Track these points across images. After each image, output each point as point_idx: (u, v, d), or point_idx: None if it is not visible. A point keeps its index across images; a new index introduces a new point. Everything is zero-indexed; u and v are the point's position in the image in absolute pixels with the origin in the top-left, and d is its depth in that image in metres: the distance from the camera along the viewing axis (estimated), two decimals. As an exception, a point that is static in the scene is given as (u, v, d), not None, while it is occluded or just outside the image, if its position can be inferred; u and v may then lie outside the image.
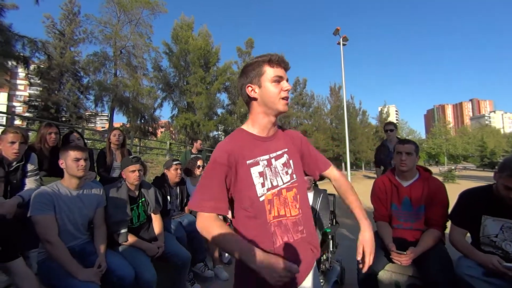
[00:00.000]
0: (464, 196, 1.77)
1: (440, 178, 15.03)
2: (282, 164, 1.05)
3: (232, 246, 0.92)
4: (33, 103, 18.68)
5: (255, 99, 1.02)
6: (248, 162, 0.99)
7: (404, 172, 1.97)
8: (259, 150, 1.02)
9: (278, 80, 0.98)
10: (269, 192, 0.99)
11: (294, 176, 1.06)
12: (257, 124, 1.05)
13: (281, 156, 1.07)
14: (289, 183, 1.04)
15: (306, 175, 1.19)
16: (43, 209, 1.65)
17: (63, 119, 18.94)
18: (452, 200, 1.88)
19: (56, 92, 18.78)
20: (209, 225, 0.95)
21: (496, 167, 1.62)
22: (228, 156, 0.97)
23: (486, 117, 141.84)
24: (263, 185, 0.98)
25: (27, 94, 21.19)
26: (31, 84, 19.99)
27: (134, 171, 2.19)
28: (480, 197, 1.69)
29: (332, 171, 1.23)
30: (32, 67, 16.42)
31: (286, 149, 1.09)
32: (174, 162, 2.89)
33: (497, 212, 1.61)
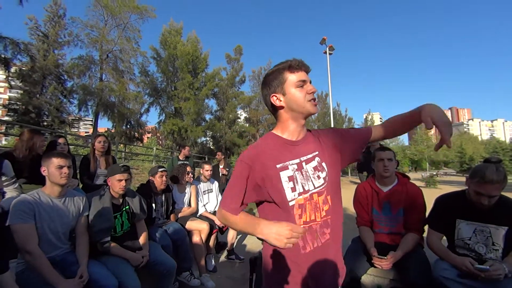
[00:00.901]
0: (440, 201, 1.87)
1: (422, 183, 15.60)
2: (313, 167, 1.03)
3: (242, 224, 0.99)
4: (13, 107, 17.94)
5: (281, 107, 1.01)
6: (277, 166, 0.98)
7: (385, 178, 2.05)
8: (289, 154, 1.01)
9: (302, 84, 0.98)
10: (300, 197, 0.97)
11: (327, 178, 1.04)
12: (286, 130, 1.05)
13: (312, 159, 1.04)
14: (321, 187, 1.02)
15: (351, 162, 1.19)
16: (23, 217, 1.60)
17: (45, 123, 18.30)
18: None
19: (38, 95, 18.16)
20: (234, 221, 1.02)
21: (465, 174, 1.72)
22: (254, 158, 0.99)
23: (464, 125, 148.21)
24: (293, 189, 0.97)
25: (7, 97, 20.39)
26: (11, 87, 19.21)
27: (121, 180, 2.16)
28: (454, 202, 1.78)
29: (375, 132, 1.16)
30: (13, 69, 15.88)
31: (317, 152, 1.06)
32: (160, 169, 2.86)
33: (470, 216, 1.70)
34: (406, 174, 2.19)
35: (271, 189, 0.97)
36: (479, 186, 1.57)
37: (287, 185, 0.97)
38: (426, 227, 1.95)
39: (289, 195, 0.97)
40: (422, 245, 1.98)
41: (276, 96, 1.00)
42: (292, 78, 0.98)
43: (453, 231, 1.77)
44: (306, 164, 1.02)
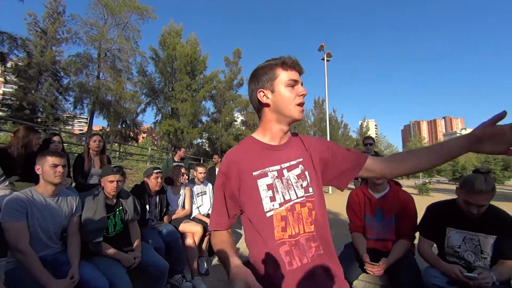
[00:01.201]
0: (431, 209, 1.90)
1: (415, 191, 15.74)
2: (297, 175, 0.93)
3: (217, 252, 0.92)
4: (6, 102, 17.69)
5: (267, 105, 0.92)
6: (254, 173, 0.90)
7: (377, 185, 2.08)
8: (268, 160, 0.92)
9: (293, 84, 0.89)
10: (282, 208, 0.88)
11: (310, 189, 0.94)
12: (268, 132, 0.95)
13: (295, 166, 0.94)
14: (303, 198, 0.92)
15: (329, 184, 1.03)
16: (15, 215, 1.59)
17: (39, 120, 18.06)
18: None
19: (33, 91, 17.94)
20: (213, 242, 0.96)
21: (457, 183, 1.76)
22: (229, 165, 0.92)
23: (458, 134, 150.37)
24: (272, 199, 0.89)
25: (1, 92, 20.09)
26: (6, 82, 18.97)
27: (112, 181, 2.15)
28: (445, 210, 1.81)
29: (371, 164, 0.96)
30: (9, 64, 15.69)
31: (301, 159, 0.96)
32: (155, 171, 2.85)
33: (460, 224, 1.73)
34: (398, 181, 2.22)
35: (247, 199, 0.90)
36: (468, 195, 1.60)
37: (265, 194, 0.89)
38: (417, 234, 1.98)
39: (267, 205, 0.88)
40: (413, 252, 2.00)
41: (263, 92, 0.91)
42: (283, 75, 0.88)
43: (443, 239, 1.80)
44: (288, 171, 0.93)
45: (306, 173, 0.95)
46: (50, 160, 1.76)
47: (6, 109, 17.51)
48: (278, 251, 0.86)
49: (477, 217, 1.63)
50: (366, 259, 1.83)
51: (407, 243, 1.92)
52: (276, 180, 0.90)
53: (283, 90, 0.88)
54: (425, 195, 15.53)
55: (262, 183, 0.89)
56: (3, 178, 2.16)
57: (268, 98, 0.91)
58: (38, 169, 1.77)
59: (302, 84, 0.91)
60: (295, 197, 0.91)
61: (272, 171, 0.91)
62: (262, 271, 0.88)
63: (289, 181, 0.92)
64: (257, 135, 0.98)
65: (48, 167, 1.75)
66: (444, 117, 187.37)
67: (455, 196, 1.79)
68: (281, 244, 0.87)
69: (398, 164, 0.92)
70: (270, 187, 0.90)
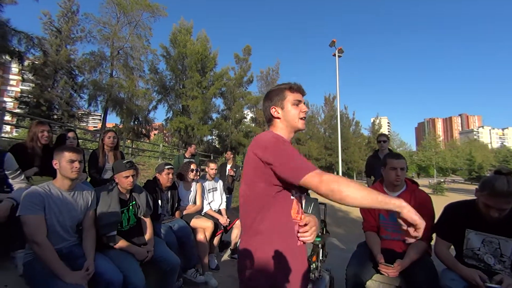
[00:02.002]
0: (449, 209, 1.83)
1: (429, 190, 15.39)
2: None
3: (366, 192, 0.88)
4: (24, 99, 18.32)
5: (278, 118, 1.18)
6: None
7: (396, 186, 2.02)
8: None
9: (297, 103, 1.17)
10: (296, 195, 1.14)
11: None
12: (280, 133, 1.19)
13: None
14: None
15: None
16: (33, 209, 1.63)
17: (55, 117, 18.63)
18: (440, 212, 1.93)
19: (49, 89, 18.51)
20: (332, 177, 0.92)
21: (473, 182, 1.68)
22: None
23: (474, 132, 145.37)
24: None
25: (19, 90, 20.85)
26: (24, 80, 19.65)
27: (127, 176, 2.17)
28: (464, 211, 1.74)
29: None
30: (26, 62, 16.21)
31: None
32: (167, 166, 2.87)
33: (479, 226, 1.66)
34: (415, 180, 2.15)
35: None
36: (488, 198, 1.53)
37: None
38: (434, 235, 1.91)
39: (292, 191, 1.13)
40: (430, 253, 1.94)
41: (275, 109, 1.18)
42: (290, 96, 1.17)
43: (461, 241, 1.73)
44: None
45: None
46: (67, 155, 1.79)
47: (24, 106, 18.14)
48: (293, 229, 1.11)
49: (498, 219, 1.55)
50: (380, 259, 1.78)
51: (424, 244, 1.86)
52: None
53: (290, 108, 1.17)
54: (440, 194, 15.16)
55: None
56: (18, 172, 2.23)
57: (278, 113, 1.18)
58: (55, 164, 1.81)
59: (304, 103, 1.20)
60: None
61: None
62: (279, 239, 1.07)
63: None
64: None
65: (65, 162, 1.78)
66: (460, 115, 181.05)
67: (473, 197, 1.72)
68: (294, 223, 1.12)
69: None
70: None
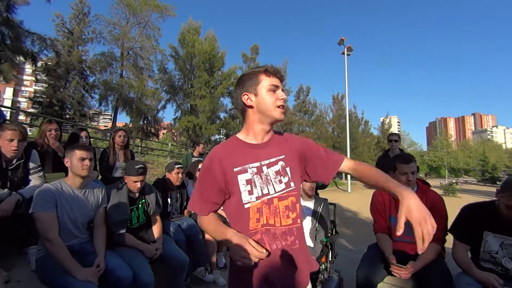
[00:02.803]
0: (466, 210, 1.77)
1: (441, 191, 15.04)
2: (275, 172, 1.03)
3: (216, 232, 1.05)
4: (38, 99, 18.81)
5: (251, 107, 1.03)
6: (235, 169, 0.99)
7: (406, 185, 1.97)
8: (249, 157, 1.02)
9: (274, 89, 1.00)
10: (258, 201, 0.98)
11: (292, 184, 1.03)
12: (251, 132, 1.06)
13: (274, 163, 1.04)
14: (282, 192, 1.01)
15: (314, 181, 1.15)
16: (45, 206, 1.66)
17: (67, 116, 19.06)
18: (452, 214, 1.87)
19: (61, 89, 18.93)
20: (202, 223, 1.08)
21: (499, 185, 1.63)
22: (211, 161, 1.02)
23: (488, 132, 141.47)
24: (250, 192, 0.98)
25: (33, 90, 21.40)
26: (37, 81, 20.19)
27: (136, 182, 2.18)
28: (482, 212, 1.68)
29: (346, 164, 1.08)
30: (39, 63, 16.59)
31: (283, 156, 1.05)
32: (177, 166, 2.88)
33: (497, 228, 1.60)
34: (426, 181, 2.09)
35: (230, 191, 1.01)
36: (510, 199, 1.47)
37: (244, 188, 0.99)
38: (447, 237, 1.86)
39: (245, 198, 0.98)
40: (443, 255, 1.89)
41: (247, 95, 1.02)
42: (266, 81, 1.00)
43: (479, 243, 1.68)
44: (267, 167, 1.02)
45: (287, 169, 1.04)
46: (78, 153, 1.82)
47: (38, 106, 18.62)
48: (255, 236, 0.98)
49: None
50: (393, 260, 1.74)
51: (437, 247, 1.81)
52: (255, 176, 1.00)
53: (265, 94, 1.00)
54: (452, 196, 14.79)
55: (242, 178, 0.99)
56: (39, 168, 2.30)
57: (252, 100, 1.02)
58: (67, 162, 1.84)
59: (282, 90, 1.03)
60: (273, 192, 1.00)
61: (252, 167, 1.01)
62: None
63: (268, 177, 1.01)
64: (240, 135, 1.09)
65: (76, 160, 1.81)
66: (473, 114, 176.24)
67: (488, 198, 1.66)
68: (254, 234, 0.98)
69: (362, 174, 1.04)
70: (248, 182, 0.99)
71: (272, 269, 0.98)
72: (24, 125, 3.09)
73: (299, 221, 1.03)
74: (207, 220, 1.06)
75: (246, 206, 0.98)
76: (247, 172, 1.00)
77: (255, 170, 1.00)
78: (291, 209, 1.01)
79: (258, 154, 1.03)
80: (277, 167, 1.03)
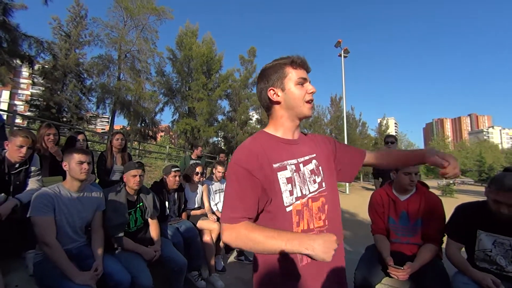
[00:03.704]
0: (460, 210, 1.79)
1: (439, 192, 15.09)
2: (310, 170, 0.95)
3: (261, 237, 0.79)
4: (35, 103, 18.72)
5: (278, 102, 0.94)
6: (274, 165, 0.87)
7: (408, 190, 1.99)
8: (285, 153, 0.92)
9: (302, 82, 0.92)
10: (298, 202, 0.88)
11: (323, 184, 0.96)
12: (280, 127, 0.96)
13: (309, 161, 0.96)
14: (315, 193, 0.93)
15: (339, 180, 1.11)
16: (43, 210, 1.66)
17: (64, 119, 18.96)
18: (450, 214, 1.89)
19: (58, 92, 18.85)
20: (244, 233, 0.82)
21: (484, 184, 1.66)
22: (248, 158, 0.87)
23: (484, 132, 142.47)
24: (291, 193, 0.88)
25: (29, 93, 21.26)
26: (34, 84, 20.11)
27: (135, 175, 2.20)
28: (475, 211, 1.71)
29: (369, 157, 1.12)
30: (36, 66, 16.53)
31: (315, 155, 0.99)
32: (173, 169, 2.88)
33: (490, 227, 1.63)
34: (425, 182, 2.11)
35: (268, 192, 0.87)
36: (497, 194, 1.52)
37: (285, 188, 0.87)
38: (445, 238, 1.87)
39: (287, 199, 0.87)
40: (441, 256, 1.90)
41: (274, 90, 0.93)
42: (293, 74, 0.91)
43: (473, 242, 1.70)
44: (303, 165, 0.94)
45: (320, 168, 0.97)
46: (76, 157, 1.82)
47: (34, 109, 18.52)
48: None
49: (509, 220, 1.52)
50: (390, 262, 1.75)
51: (434, 247, 1.82)
52: (294, 173, 0.90)
53: (293, 88, 0.91)
54: (449, 196, 14.87)
55: (282, 176, 0.88)
56: (38, 172, 2.29)
57: (278, 96, 0.93)
58: (65, 165, 1.84)
59: (310, 82, 0.95)
60: (308, 192, 0.92)
61: (291, 164, 0.91)
62: (274, 266, 0.88)
63: (305, 176, 0.93)
64: (269, 130, 0.98)
65: (75, 164, 1.81)
66: (469, 115, 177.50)
67: (484, 198, 1.69)
68: None
69: (386, 158, 1.13)
70: (289, 180, 0.89)
71: (311, 280, 0.88)
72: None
73: (327, 222, 0.94)
74: (250, 227, 0.83)
75: (288, 209, 0.86)
76: (286, 169, 0.89)
77: (294, 167, 0.91)
78: (322, 210, 0.93)
79: (294, 150, 0.95)
80: (311, 166, 0.96)
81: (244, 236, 0.81)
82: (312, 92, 0.93)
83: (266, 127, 1.01)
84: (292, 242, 0.75)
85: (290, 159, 0.92)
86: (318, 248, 0.73)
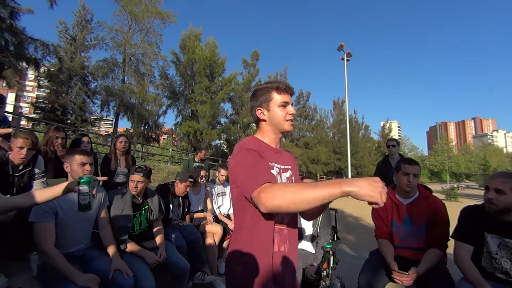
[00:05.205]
0: (465, 212, 1.78)
1: (443, 196, 14.96)
2: (287, 178, 1.13)
3: (305, 188, 0.81)
4: (40, 105, 18.95)
5: (264, 120, 1.13)
6: (269, 163, 1.06)
7: (408, 192, 1.97)
8: (272, 156, 1.10)
9: (285, 105, 1.10)
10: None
11: None
12: (266, 137, 1.15)
13: (286, 170, 1.14)
14: None
15: None
16: (43, 216, 1.64)
17: (68, 121, 19.15)
18: (454, 219, 1.87)
19: (63, 95, 19.08)
20: (279, 187, 0.87)
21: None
22: (256, 147, 1.06)
23: (488, 136, 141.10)
24: None
25: (35, 96, 21.55)
26: (39, 86, 20.36)
27: (133, 181, 2.19)
28: (480, 213, 1.69)
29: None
30: (42, 69, 16.75)
31: (290, 166, 1.18)
32: (190, 179, 2.89)
33: (494, 229, 1.61)
34: (428, 186, 2.10)
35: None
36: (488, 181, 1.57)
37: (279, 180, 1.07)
38: (449, 243, 1.85)
39: None
40: (445, 261, 1.88)
41: (261, 110, 1.13)
42: (277, 98, 1.10)
43: (481, 244, 1.67)
44: (282, 172, 1.12)
45: (293, 178, 1.17)
46: (78, 158, 1.81)
47: (40, 111, 18.74)
48: (271, 236, 1.01)
49: None
50: (394, 267, 1.73)
51: (439, 252, 1.80)
52: (277, 175, 1.08)
53: (276, 110, 1.10)
54: (453, 200, 14.72)
55: (274, 172, 1.07)
56: (43, 174, 2.31)
57: (264, 115, 1.13)
58: (67, 167, 1.83)
59: (292, 105, 1.14)
60: None
61: (276, 167, 1.09)
62: (253, 253, 1.00)
63: (282, 181, 1.10)
64: (258, 136, 1.17)
65: (76, 166, 1.80)
66: (473, 118, 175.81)
67: None
68: (272, 232, 1.02)
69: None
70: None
71: (282, 266, 1.03)
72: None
73: (290, 224, 1.10)
74: (281, 184, 0.99)
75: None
76: (274, 169, 1.07)
77: (278, 170, 1.09)
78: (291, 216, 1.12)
79: (277, 157, 1.13)
80: (287, 174, 1.14)
81: (281, 190, 0.85)
82: (292, 113, 1.11)
83: (256, 134, 1.19)
84: (333, 185, 0.77)
85: (276, 162, 1.10)
86: (365, 186, 0.73)
